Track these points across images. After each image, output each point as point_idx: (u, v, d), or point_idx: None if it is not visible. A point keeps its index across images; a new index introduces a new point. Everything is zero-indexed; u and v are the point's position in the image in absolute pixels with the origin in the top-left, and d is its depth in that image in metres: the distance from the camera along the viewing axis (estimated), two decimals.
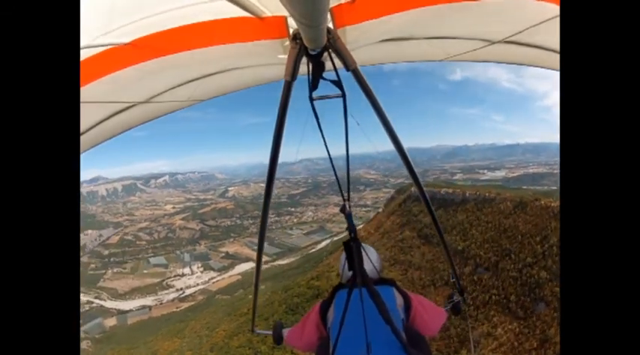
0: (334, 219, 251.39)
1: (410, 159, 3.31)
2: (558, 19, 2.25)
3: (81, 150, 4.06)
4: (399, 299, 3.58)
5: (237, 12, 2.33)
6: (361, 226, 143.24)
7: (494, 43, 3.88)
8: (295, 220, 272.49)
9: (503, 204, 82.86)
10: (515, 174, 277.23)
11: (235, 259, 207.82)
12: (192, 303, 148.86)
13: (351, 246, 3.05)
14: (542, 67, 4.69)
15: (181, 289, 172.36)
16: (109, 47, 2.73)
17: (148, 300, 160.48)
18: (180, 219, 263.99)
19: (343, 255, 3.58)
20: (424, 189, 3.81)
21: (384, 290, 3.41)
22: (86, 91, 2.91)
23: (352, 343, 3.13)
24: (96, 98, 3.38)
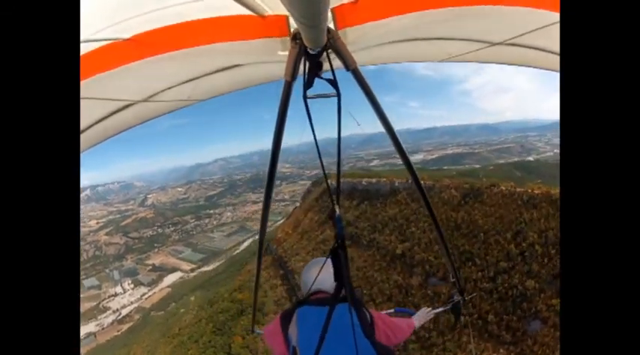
0: (253, 217, 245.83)
1: (410, 160, 3.28)
2: (558, 25, 2.26)
3: (81, 150, 3.88)
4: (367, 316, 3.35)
5: (239, 9, 2.25)
6: (280, 222, 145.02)
7: (495, 44, 3.80)
8: (215, 222, 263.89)
9: (446, 192, 66.23)
10: (434, 156, 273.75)
11: (162, 271, 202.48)
12: (131, 324, 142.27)
13: (339, 255, 2.73)
14: (543, 69, 4.52)
15: (117, 310, 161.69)
16: (108, 42, 2.62)
17: (91, 326, 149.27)
18: (105, 234, 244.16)
19: (308, 267, 3.64)
20: (425, 190, 3.68)
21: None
22: (85, 87, 2.75)
23: None
24: (95, 94, 3.22)
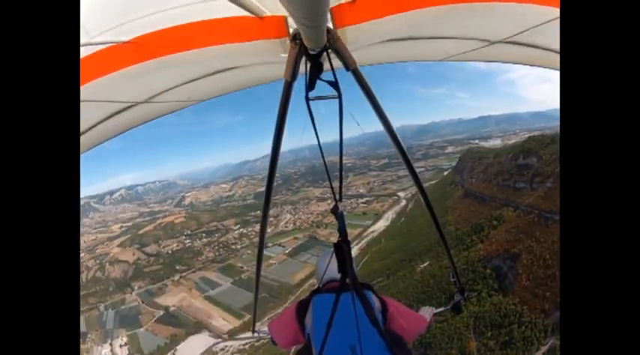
0: (325, 221, 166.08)
1: (410, 159, 3.18)
2: (558, 20, 2.34)
3: (81, 151, 3.83)
4: (377, 303, 3.38)
5: (237, 11, 2.26)
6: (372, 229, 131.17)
7: (493, 42, 3.66)
8: (270, 229, 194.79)
9: None
10: (511, 142, 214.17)
11: (178, 324, 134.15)
12: None
13: (343, 248, 2.77)
14: (542, 67, 4.33)
15: None
16: (108, 45, 2.59)
17: None
18: (117, 245, 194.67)
19: (321, 258, 3.67)
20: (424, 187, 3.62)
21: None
22: (85, 90, 2.73)
23: (337, 346, 2.94)
24: (95, 97, 3.16)
